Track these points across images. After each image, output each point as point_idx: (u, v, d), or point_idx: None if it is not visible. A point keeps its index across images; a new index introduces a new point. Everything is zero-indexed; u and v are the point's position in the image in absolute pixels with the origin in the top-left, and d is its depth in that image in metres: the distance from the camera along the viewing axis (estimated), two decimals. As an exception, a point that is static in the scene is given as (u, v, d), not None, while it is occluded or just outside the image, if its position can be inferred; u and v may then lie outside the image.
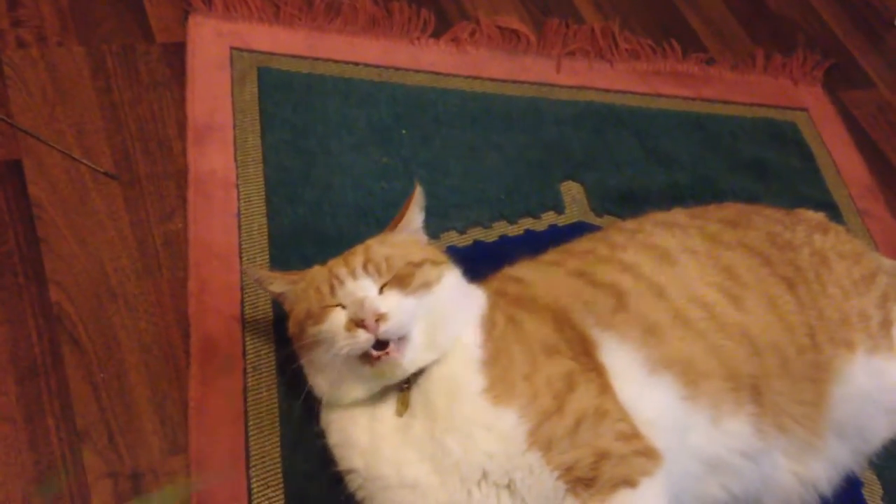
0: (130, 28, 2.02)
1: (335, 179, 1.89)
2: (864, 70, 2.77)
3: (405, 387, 1.36)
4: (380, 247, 1.43)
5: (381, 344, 1.31)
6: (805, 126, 2.49)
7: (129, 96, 1.89)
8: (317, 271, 1.44)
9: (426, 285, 1.37)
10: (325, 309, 1.36)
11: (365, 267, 1.37)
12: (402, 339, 1.33)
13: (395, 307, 1.32)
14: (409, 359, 1.33)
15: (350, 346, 1.31)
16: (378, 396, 1.38)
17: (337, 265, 1.41)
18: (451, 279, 1.43)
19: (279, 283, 1.49)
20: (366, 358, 1.32)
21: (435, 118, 2.11)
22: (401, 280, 1.36)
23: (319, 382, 1.40)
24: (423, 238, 1.57)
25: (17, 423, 1.43)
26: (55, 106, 1.83)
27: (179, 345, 1.57)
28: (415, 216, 1.54)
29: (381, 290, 1.35)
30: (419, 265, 1.39)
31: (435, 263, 1.42)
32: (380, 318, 1.29)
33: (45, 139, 1.77)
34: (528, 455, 1.28)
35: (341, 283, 1.36)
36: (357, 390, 1.38)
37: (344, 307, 1.35)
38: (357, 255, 1.41)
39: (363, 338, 1.30)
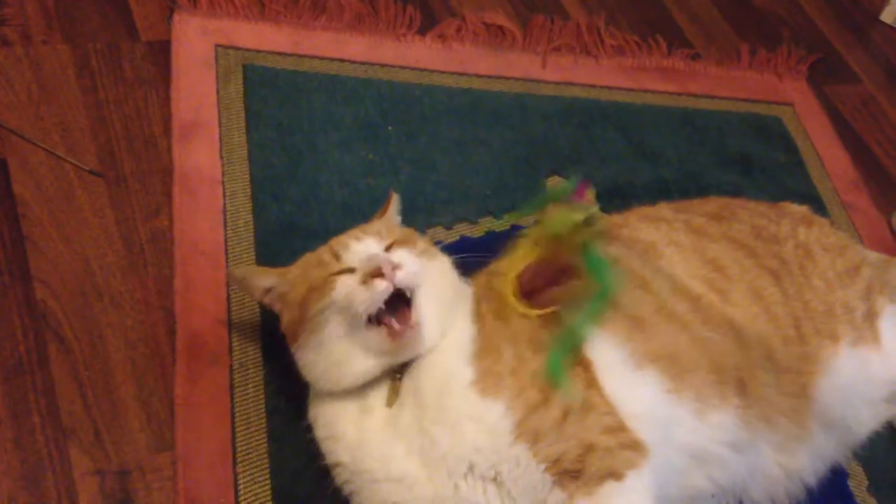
0: (115, 26, 2.02)
1: (321, 176, 1.89)
2: (848, 65, 2.79)
3: (397, 377, 1.37)
4: (368, 226, 1.47)
5: (391, 308, 1.31)
6: (790, 120, 2.50)
7: (114, 94, 1.89)
8: (309, 255, 1.45)
9: (428, 253, 1.41)
10: (332, 277, 1.35)
11: (365, 232, 1.41)
12: (412, 308, 1.33)
13: (406, 258, 1.35)
14: (426, 330, 1.34)
15: (369, 300, 1.29)
16: (366, 389, 1.38)
17: (335, 239, 1.44)
18: (447, 262, 1.46)
19: (268, 277, 1.47)
20: (378, 330, 1.32)
21: (421, 115, 2.11)
22: (405, 241, 1.40)
23: (315, 367, 1.38)
24: None
25: (3, 420, 1.43)
26: (40, 104, 1.82)
27: (165, 342, 1.57)
28: (391, 220, 1.57)
29: (387, 249, 1.38)
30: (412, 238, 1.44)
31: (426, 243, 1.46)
32: (395, 266, 1.31)
33: (30, 137, 1.76)
34: (515, 447, 1.28)
35: (346, 247, 1.38)
36: (361, 366, 1.35)
37: (352, 270, 1.35)
38: (351, 231, 1.45)
39: (381, 287, 1.29)
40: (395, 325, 1.31)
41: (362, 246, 1.37)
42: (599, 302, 1.37)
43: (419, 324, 1.32)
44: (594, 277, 1.36)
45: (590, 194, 1.40)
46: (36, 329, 1.53)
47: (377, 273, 1.29)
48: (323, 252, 1.42)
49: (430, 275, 1.37)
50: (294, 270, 1.45)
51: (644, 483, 1.31)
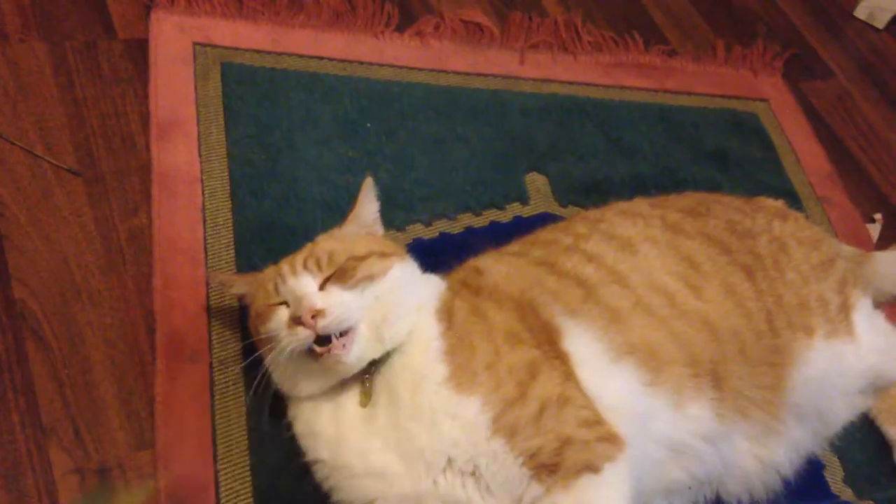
0: (92, 24, 2.01)
1: (300, 173, 1.89)
2: (823, 60, 2.81)
3: (366, 378, 1.38)
4: (326, 242, 1.46)
5: (325, 339, 1.32)
6: (766, 116, 2.52)
7: (92, 92, 1.89)
8: (269, 271, 1.46)
9: (369, 278, 1.38)
10: (271, 308, 1.38)
11: (305, 263, 1.39)
12: (347, 333, 1.34)
13: (333, 303, 1.33)
14: (355, 354, 1.34)
15: (292, 344, 1.32)
16: (341, 387, 1.39)
17: (283, 263, 1.43)
18: (399, 271, 1.44)
19: (239, 286, 1.52)
20: (313, 354, 1.34)
21: (400, 111, 2.11)
22: (343, 274, 1.37)
23: (277, 378, 1.42)
24: (380, 230, 1.58)
25: (-18, 420, 1.43)
26: (17, 103, 1.82)
27: (145, 340, 1.57)
28: (366, 208, 1.56)
29: (322, 286, 1.36)
30: (363, 258, 1.40)
31: (383, 256, 1.44)
32: (317, 313, 1.31)
33: (7, 136, 1.76)
34: (493, 442, 1.29)
35: (283, 280, 1.38)
36: (310, 386, 1.39)
37: (288, 305, 1.36)
38: (302, 252, 1.43)
39: (303, 335, 1.32)
40: (317, 350, 1.33)
41: (296, 283, 1.37)
42: None
43: (344, 346, 1.33)
44: None
45: None
46: (14, 328, 1.53)
47: (299, 321, 1.32)
48: (269, 276, 1.43)
49: (370, 297, 1.38)
50: (254, 284, 1.47)
51: (621, 476, 1.32)
